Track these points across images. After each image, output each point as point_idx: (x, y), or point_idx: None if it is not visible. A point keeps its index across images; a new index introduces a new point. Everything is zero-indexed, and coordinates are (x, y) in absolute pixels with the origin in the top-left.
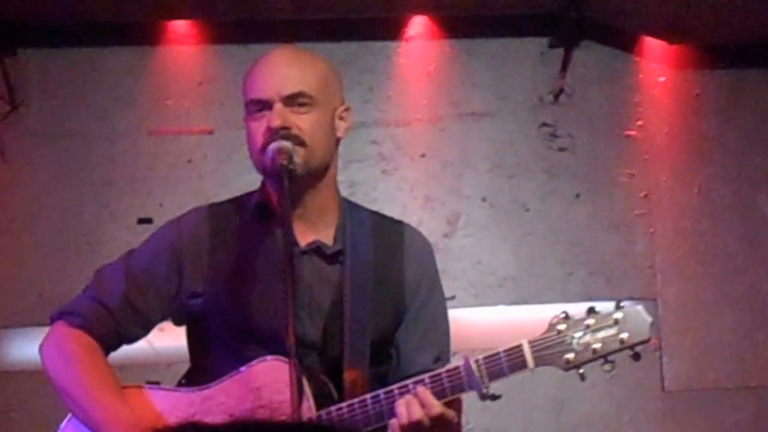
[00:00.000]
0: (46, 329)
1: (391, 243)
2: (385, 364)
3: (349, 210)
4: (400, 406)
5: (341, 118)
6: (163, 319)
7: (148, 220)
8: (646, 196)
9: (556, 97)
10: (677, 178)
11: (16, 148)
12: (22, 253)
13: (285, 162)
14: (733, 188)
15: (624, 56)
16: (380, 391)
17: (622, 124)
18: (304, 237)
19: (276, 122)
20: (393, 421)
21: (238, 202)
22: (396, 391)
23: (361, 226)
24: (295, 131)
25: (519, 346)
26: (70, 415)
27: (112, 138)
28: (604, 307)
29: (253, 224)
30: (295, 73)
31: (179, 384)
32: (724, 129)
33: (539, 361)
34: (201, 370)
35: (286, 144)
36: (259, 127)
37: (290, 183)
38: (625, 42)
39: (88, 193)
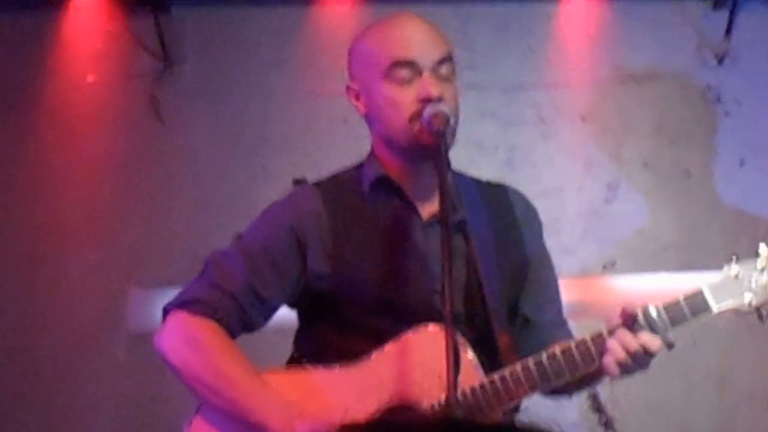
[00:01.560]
0: None
1: (501, 206)
2: (514, 325)
3: (456, 178)
4: (609, 352)
5: None
6: (284, 302)
7: (303, 181)
8: None
9: (721, 60)
10: None
11: (170, 107)
12: (176, 212)
13: (443, 127)
14: None
15: None
16: (555, 349)
17: None
18: (424, 209)
19: (435, 91)
20: (608, 361)
21: (344, 178)
22: (575, 349)
23: (470, 193)
24: (445, 101)
25: (699, 291)
26: (199, 407)
27: (267, 97)
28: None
29: (373, 199)
30: (440, 38)
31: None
32: None
33: (721, 304)
34: (329, 350)
35: (445, 109)
36: (407, 95)
37: (446, 151)
38: None
39: (242, 152)
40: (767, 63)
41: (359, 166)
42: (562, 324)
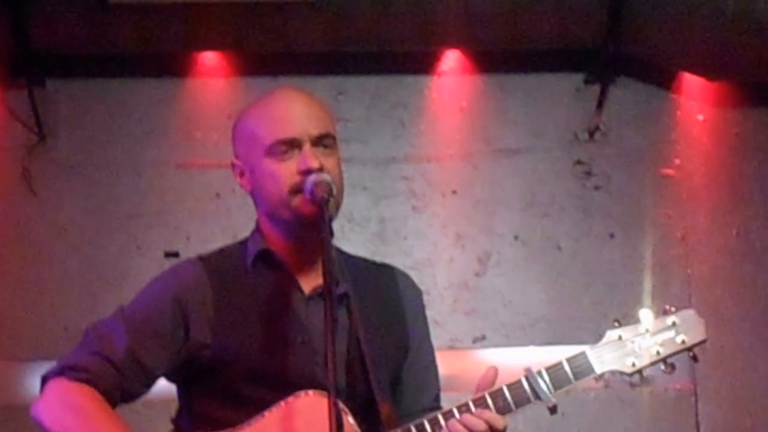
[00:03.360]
0: None
1: (386, 284)
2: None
3: (341, 255)
4: (457, 424)
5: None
6: (164, 373)
7: (175, 254)
8: (682, 237)
9: (592, 134)
10: (715, 219)
11: (43, 180)
12: (47, 285)
13: (326, 195)
14: None
15: (661, 93)
16: (423, 419)
17: (658, 163)
18: (307, 283)
19: (315, 163)
20: None
21: (228, 253)
22: (441, 418)
23: (355, 268)
24: (327, 172)
25: (582, 353)
26: None
27: (140, 170)
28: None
29: (255, 273)
30: (320, 114)
31: None
32: (764, 169)
33: (604, 366)
34: (209, 425)
35: (327, 178)
36: (288, 169)
37: (329, 220)
38: (662, 78)
39: (114, 225)
40: (638, 137)
41: (244, 241)
42: (437, 410)
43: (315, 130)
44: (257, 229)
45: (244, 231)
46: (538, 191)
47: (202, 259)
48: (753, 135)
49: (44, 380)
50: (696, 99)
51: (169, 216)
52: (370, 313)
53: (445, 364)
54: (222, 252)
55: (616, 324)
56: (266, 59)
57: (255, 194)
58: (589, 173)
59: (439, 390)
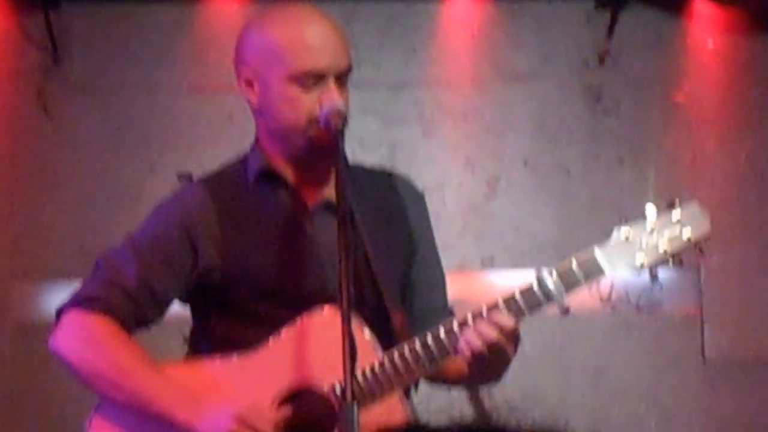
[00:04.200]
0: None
1: (387, 190)
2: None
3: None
4: (472, 332)
5: None
6: (177, 297)
7: (188, 175)
8: (691, 163)
9: (602, 60)
10: (724, 146)
11: (58, 102)
12: (63, 205)
13: (341, 125)
14: None
15: (672, 19)
16: (439, 328)
17: (668, 90)
18: (309, 198)
19: (340, 102)
20: (462, 347)
21: (229, 172)
22: (456, 326)
23: (356, 178)
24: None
25: (591, 255)
26: (98, 406)
27: (154, 93)
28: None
29: (258, 190)
30: (345, 46)
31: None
32: None
33: (613, 266)
34: (224, 345)
35: (343, 107)
36: (310, 99)
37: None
38: (673, 4)
39: (128, 147)
40: (647, 63)
41: (243, 159)
42: (449, 310)
43: (343, 66)
44: (257, 144)
45: None
46: (548, 117)
47: (204, 180)
48: (763, 62)
49: (59, 313)
50: (706, 25)
51: (182, 138)
52: (373, 221)
53: (453, 286)
54: (223, 172)
55: (623, 222)
56: None
57: (263, 110)
58: (598, 99)
59: (446, 287)
